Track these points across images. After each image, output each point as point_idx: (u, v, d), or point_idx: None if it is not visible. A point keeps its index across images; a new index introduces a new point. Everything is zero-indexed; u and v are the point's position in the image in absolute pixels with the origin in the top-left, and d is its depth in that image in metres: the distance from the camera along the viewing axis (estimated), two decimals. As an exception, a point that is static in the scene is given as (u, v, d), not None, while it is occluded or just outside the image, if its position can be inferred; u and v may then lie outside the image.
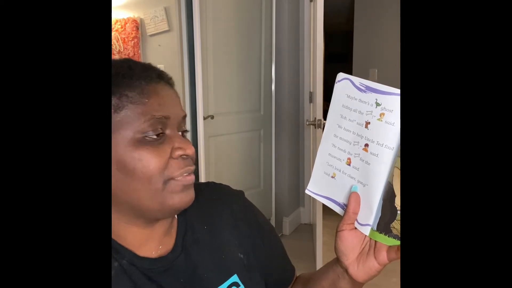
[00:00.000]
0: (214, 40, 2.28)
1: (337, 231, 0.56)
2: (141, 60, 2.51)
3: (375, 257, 0.54)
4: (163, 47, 2.42)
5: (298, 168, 3.08)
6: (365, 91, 0.52)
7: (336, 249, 0.57)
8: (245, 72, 2.56)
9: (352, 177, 0.55)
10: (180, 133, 0.57)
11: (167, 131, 0.54)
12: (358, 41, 3.84)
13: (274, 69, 2.76)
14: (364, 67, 3.77)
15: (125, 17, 2.48)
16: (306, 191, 0.60)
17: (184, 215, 0.62)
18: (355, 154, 0.54)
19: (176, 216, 0.62)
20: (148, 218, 0.55)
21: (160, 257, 0.57)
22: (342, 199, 0.56)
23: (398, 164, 0.50)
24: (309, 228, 3.04)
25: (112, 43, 2.52)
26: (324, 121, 1.89)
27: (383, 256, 0.54)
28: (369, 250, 0.55)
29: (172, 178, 0.53)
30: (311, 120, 2.42)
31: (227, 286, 0.59)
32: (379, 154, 0.51)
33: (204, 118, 2.25)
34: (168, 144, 0.53)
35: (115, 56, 2.55)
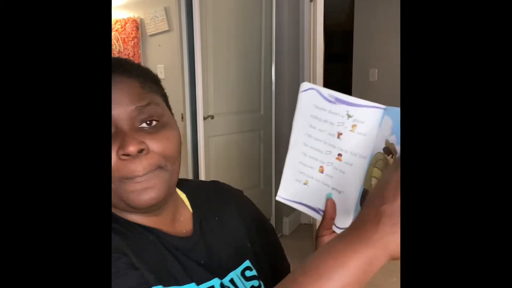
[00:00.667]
0: (214, 40, 2.28)
1: (317, 237, 0.59)
2: (141, 60, 2.52)
3: None
4: (163, 47, 2.42)
5: (298, 168, 3.08)
6: (335, 103, 0.54)
7: None
8: (245, 72, 2.56)
9: (326, 184, 0.57)
10: (145, 125, 0.53)
11: (116, 130, 0.51)
12: (358, 41, 3.84)
13: (274, 69, 2.76)
14: (364, 67, 3.77)
15: (125, 17, 2.48)
16: (277, 198, 0.61)
17: (198, 207, 0.65)
18: (328, 162, 0.56)
19: (190, 209, 0.65)
20: (140, 210, 0.55)
21: (186, 237, 0.59)
22: (316, 204, 0.59)
23: (375, 174, 0.53)
24: (309, 228, 3.04)
25: (112, 43, 2.52)
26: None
27: None
28: None
29: (127, 179, 0.51)
30: (311, 120, 2.41)
31: (241, 269, 0.63)
32: (353, 164, 0.54)
33: (204, 118, 2.25)
34: (115, 144, 0.50)
35: (115, 56, 2.55)
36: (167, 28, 2.38)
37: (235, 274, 0.61)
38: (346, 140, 0.54)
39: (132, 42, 2.48)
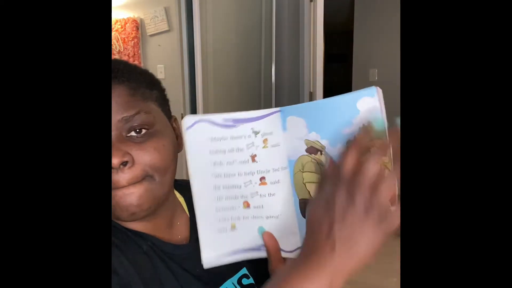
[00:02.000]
0: (214, 40, 2.28)
1: (271, 273, 0.52)
2: (141, 60, 2.52)
3: None
4: (163, 47, 2.42)
5: (298, 168, 3.08)
6: (234, 126, 0.47)
7: None
8: (245, 72, 2.56)
9: (257, 217, 0.50)
10: (134, 133, 0.51)
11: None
12: (358, 41, 3.84)
13: (274, 69, 2.76)
14: (364, 67, 3.77)
15: (125, 17, 2.48)
16: (205, 266, 0.51)
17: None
18: (251, 193, 0.49)
19: (187, 213, 0.63)
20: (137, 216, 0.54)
21: (181, 245, 0.58)
22: (255, 243, 0.51)
23: (308, 179, 0.47)
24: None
25: (112, 43, 2.52)
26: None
27: None
28: None
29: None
30: (311, 120, 2.42)
31: (238, 277, 0.61)
32: (280, 180, 0.48)
33: (204, 118, 2.25)
34: None
35: (115, 56, 2.55)
36: (167, 28, 2.38)
37: (230, 282, 0.60)
38: (263, 160, 0.48)
39: (132, 42, 2.48)
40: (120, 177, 0.49)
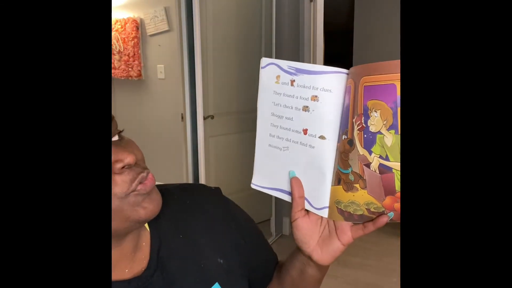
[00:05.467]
0: (214, 40, 2.28)
1: (291, 222, 0.55)
2: (141, 60, 2.52)
3: (338, 239, 0.54)
4: (163, 47, 2.42)
5: (298, 168, 3.07)
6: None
7: (295, 239, 0.56)
8: (245, 72, 2.56)
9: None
10: (116, 137, 0.48)
11: None
12: (358, 41, 3.84)
13: (274, 69, 2.76)
14: (364, 67, 3.77)
15: (125, 17, 2.48)
16: (252, 185, 0.58)
17: (157, 227, 0.56)
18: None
19: (148, 229, 0.56)
20: (118, 237, 0.50)
21: (135, 277, 0.52)
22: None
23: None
24: (309, 228, 3.03)
25: (112, 43, 2.52)
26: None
27: (348, 236, 0.53)
28: (330, 232, 0.55)
29: (127, 194, 0.46)
30: (311, 120, 2.42)
31: None
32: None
33: (204, 118, 2.25)
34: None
35: (115, 56, 2.55)
36: (167, 28, 2.38)
37: None
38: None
39: (132, 42, 2.48)
40: (136, 171, 0.47)
